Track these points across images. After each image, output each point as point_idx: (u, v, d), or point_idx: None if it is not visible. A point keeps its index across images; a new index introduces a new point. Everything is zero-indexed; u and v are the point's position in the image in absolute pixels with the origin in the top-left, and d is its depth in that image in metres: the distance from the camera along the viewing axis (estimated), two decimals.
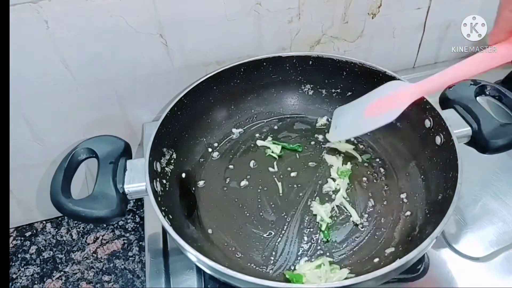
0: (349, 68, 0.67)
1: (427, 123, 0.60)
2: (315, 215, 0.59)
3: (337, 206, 0.60)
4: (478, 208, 0.62)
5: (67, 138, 0.67)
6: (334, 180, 0.63)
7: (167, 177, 0.59)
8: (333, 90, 0.71)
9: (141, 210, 0.74)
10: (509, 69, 0.76)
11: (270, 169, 0.65)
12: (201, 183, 0.64)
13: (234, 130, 0.71)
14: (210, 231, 0.59)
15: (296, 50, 0.73)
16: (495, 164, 0.67)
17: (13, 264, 0.71)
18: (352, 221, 0.59)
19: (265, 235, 0.58)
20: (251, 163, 0.66)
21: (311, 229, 0.58)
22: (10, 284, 0.68)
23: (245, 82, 0.69)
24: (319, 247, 0.57)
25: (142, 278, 0.67)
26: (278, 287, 0.43)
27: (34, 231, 0.75)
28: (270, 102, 0.73)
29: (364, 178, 0.64)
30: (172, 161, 0.61)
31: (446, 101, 0.60)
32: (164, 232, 0.61)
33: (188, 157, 0.66)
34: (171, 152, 0.62)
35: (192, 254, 0.46)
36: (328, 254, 0.56)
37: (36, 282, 0.68)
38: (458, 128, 0.56)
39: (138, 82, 0.68)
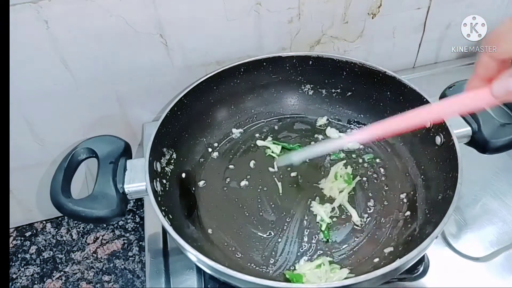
0: (349, 68, 0.67)
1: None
2: (315, 215, 0.59)
3: (337, 206, 0.60)
4: (478, 208, 0.62)
5: (67, 138, 0.67)
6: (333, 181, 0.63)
7: (167, 177, 0.59)
8: (333, 90, 0.71)
9: (141, 210, 0.74)
10: None
11: (270, 169, 0.65)
12: (201, 183, 0.64)
13: (234, 130, 0.71)
14: (210, 231, 0.59)
15: (296, 50, 0.73)
16: (495, 164, 0.67)
17: (13, 264, 0.71)
18: (352, 221, 0.59)
19: (265, 235, 0.58)
20: (251, 163, 0.66)
21: (311, 229, 0.58)
22: (10, 284, 0.68)
23: (245, 82, 0.69)
24: (319, 247, 0.57)
25: (142, 278, 0.67)
26: (278, 287, 0.43)
27: (34, 231, 0.75)
28: (270, 102, 0.73)
29: (364, 178, 0.64)
30: (172, 161, 0.61)
31: None
32: (164, 232, 0.61)
33: (188, 157, 0.66)
34: (171, 152, 0.62)
35: (192, 254, 0.46)
36: (328, 254, 0.56)
37: (36, 282, 0.68)
38: (458, 128, 0.56)
39: (138, 82, 0.68)
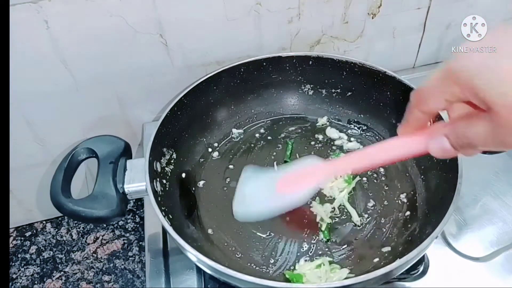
0: (349, 68, 0.67)
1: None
2: (315, 215, 0.59)
3: (337, 206, 0.60)
4: (478, 208, 0.62)
5: (67, 138, 0.67)
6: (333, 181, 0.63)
7: (167, 177, 0.59)
8: (333, 90, 0.71)
9: (141, 210, 0.74)
10: None
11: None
12: (201, 183, 0.64)
13: (234, 130, 0.71)
14: (210, 231, 0.59)
15: (296, 50, 0.73)
16: (495, 164, 0.67)
17: (13, 264, 0.71)
18: (352, 221, 0.59)
19: (265, 235, 0.58)
20: (251, 163, 0.66)
21: (311, 229, 0.58)
22: (10, 284, 0.68)
23: (245, 82, 0.69)
24: (319, 247, 0.57)
25: (142, 278, 0.67)
26: (278, 287, 0.43)
27: (34, 231, 0.75)
28: (270, 102, 0.73)
29: (364, 178, 0.64)
30: (172, 161, 0.61)
31: None
32: (164, 232, 0.61)
33: (188, 157, 0.66)
34: (171, 152, 0.62)
35: (192, 254, 0.46)
36: (328, 254, 0.56)
37: (36, 282, 0.68)
38: None
39: (138, 82, 0.68)
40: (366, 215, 0.59)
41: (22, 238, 0.74)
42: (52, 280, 0.68)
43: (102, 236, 0.73)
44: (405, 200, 0.61)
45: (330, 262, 0.54)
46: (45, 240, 0.73)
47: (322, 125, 0.71)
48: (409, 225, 0.57)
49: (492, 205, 0.63)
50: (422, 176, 0.61)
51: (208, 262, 0.45)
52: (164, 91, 0.70)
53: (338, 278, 0.52)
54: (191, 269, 0.56)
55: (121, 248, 0.71)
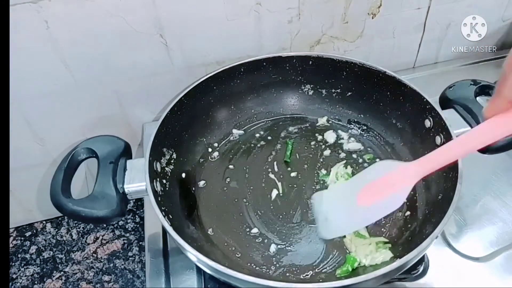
0: (349, 68, 0.67)
1: (427, 123, 0.60)
2: None
3: None
4: (478, 208, 0.62)
5: (67, 138, 0.67)
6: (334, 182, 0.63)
7: (167, 177, 0.59)
8: (333, 90, 0.71)
9: (141, 210, 0.74)
10: None
11: (270, 169, 0.65)
12: (201, 183, 0.64)
13: (234, 130, 0.71)
14: (210, 231, 0.59)
15: (296, 50, 0.73)
16: (495, 164, 0.67)
17: (13, 264, 0.71)
18: None
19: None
20: (251, 163, 0.66)
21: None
22: (10, 284, 0.68)
23: (245, 82, 0.69)
24: None
25: (142, 278, 0.67)
26: (278, 287, 0.43)
27: (34, 231, 0.75)
28: (270, 102, 0.73)
29: None
30: (172, 161, 0.61)
31: (446, 101, 0.60)
32: (164, 232, 0.61)
33: (188, 157, 0.66)
34: (171, 152, 0.62)
35: (192, 254, 0.46)
36: None
37: (36, 282, 0.68)
38: (458, 128, 0.56)
39: (138, 82, 0.68)
40: None
41: (22, 238, 0.74)
42: (52, 280, 0.69)
43: (102, 236, 0.73)
44: (405, 200, 0.61)
45: None
46: (45, 240, 0.73)
47: (322, 125, 0.71)
48: (409, 225, 0.57)
49: (492, 205, 0.63)
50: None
51: (208, 262, 0.45)
52: (164, 91, 0.70)
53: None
54: (191, 269, 0.56)
55: (121, 248, 0.71)
